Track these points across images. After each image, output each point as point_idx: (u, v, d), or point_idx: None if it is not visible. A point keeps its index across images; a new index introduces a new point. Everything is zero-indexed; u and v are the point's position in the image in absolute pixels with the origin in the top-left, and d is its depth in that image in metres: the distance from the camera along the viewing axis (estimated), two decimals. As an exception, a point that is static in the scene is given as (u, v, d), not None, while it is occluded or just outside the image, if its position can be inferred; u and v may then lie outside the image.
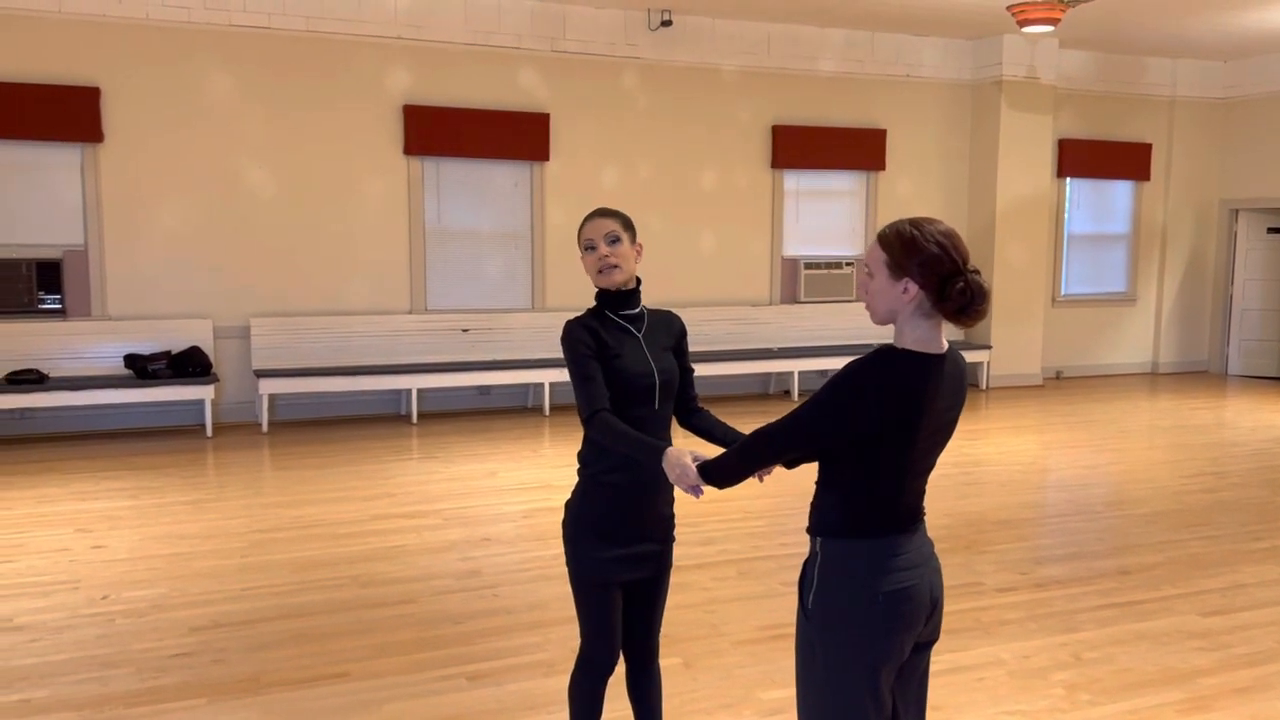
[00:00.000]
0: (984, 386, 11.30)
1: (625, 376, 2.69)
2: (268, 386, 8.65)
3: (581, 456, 2.79)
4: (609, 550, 2.73)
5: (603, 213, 2.77)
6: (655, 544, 2.82)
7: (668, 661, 4.01)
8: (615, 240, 2.72)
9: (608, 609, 2.77)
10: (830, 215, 11.21)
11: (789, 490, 6.63)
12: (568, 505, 2.84)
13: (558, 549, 5.43)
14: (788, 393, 10.48)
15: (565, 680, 3.84)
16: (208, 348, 8.71)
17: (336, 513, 6.17)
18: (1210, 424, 9.63)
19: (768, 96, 10.60)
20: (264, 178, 8.93)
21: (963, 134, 11.56)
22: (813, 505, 2.29)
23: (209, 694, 3.72)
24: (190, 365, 8.50)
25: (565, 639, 4.22)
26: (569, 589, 4.80)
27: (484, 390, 9.77)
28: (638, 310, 2.79)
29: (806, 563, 2.29)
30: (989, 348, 11.29)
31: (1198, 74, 12.42)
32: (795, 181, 10.94)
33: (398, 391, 9.38)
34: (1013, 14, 8.20)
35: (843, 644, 2.19)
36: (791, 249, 10.99)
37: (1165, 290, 12.79)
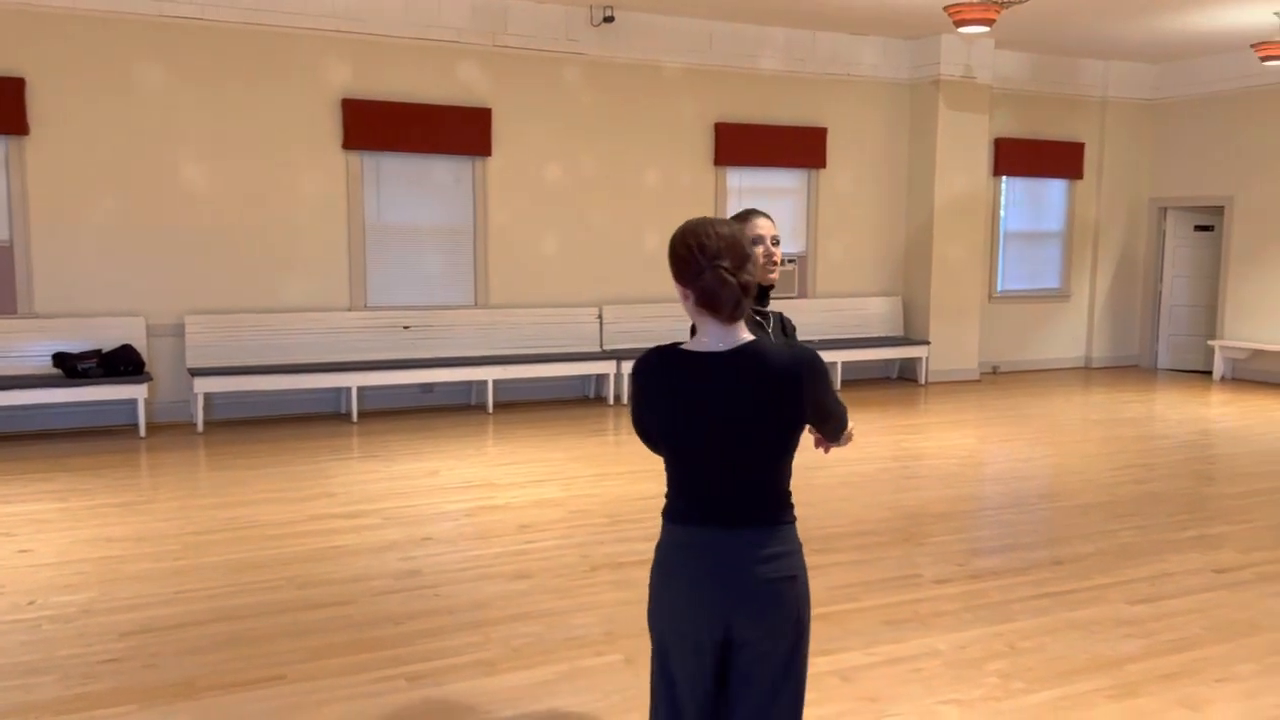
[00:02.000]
0: (922, 382, 11.48)
1: None
2: (203, 385, 8.48)
3: None
4: None
5: (765, 214, 2.96)
6: None
7: (610, 659, 4.02)
8: (777, 243, 2.94)
9: None
10: (772, 212, 11.13)
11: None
12: None
13: (500, 548, 5.44)
14: (731, 389, 10.54)
15: (507, 680, 3.83)
16: (140, 346, 8.51)
17: (273, 514, 6.07)
18: (1140, 417, 9.88)
19: (710, 94, 10.64)
20: (198, 172, 8.75)
21: (901, 133, 11.71)
22: None
23: (140, 700, 3.64)
24: (122, 364, 8.29)
25: (507, 638, 4.20)
26: (511, 586, 4.80)
27: (426, 388, 9.68)
28: (768, 307, 2.99)
29: None
30: (927, 343, 11.47)
31: (1128, 76, 12.72)
32: (738, 179, 10.99)
33: (337, 390, 9.25)
34: (949, 14, 8.32)
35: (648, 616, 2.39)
36: (734, 246, 11.02)
37: (1098, 287, 13.10)
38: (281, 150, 8.99)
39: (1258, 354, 11.88)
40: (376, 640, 4.18)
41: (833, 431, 2.46)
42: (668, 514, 2.32)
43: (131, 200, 8.55)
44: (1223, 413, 10.05)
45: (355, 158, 9.27)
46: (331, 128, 9.14)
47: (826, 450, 2.67)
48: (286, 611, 4.50)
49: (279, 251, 9.07)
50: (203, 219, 8.77)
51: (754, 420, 2.19)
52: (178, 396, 8.78)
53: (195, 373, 8.50)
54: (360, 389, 9.11)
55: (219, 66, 8.71)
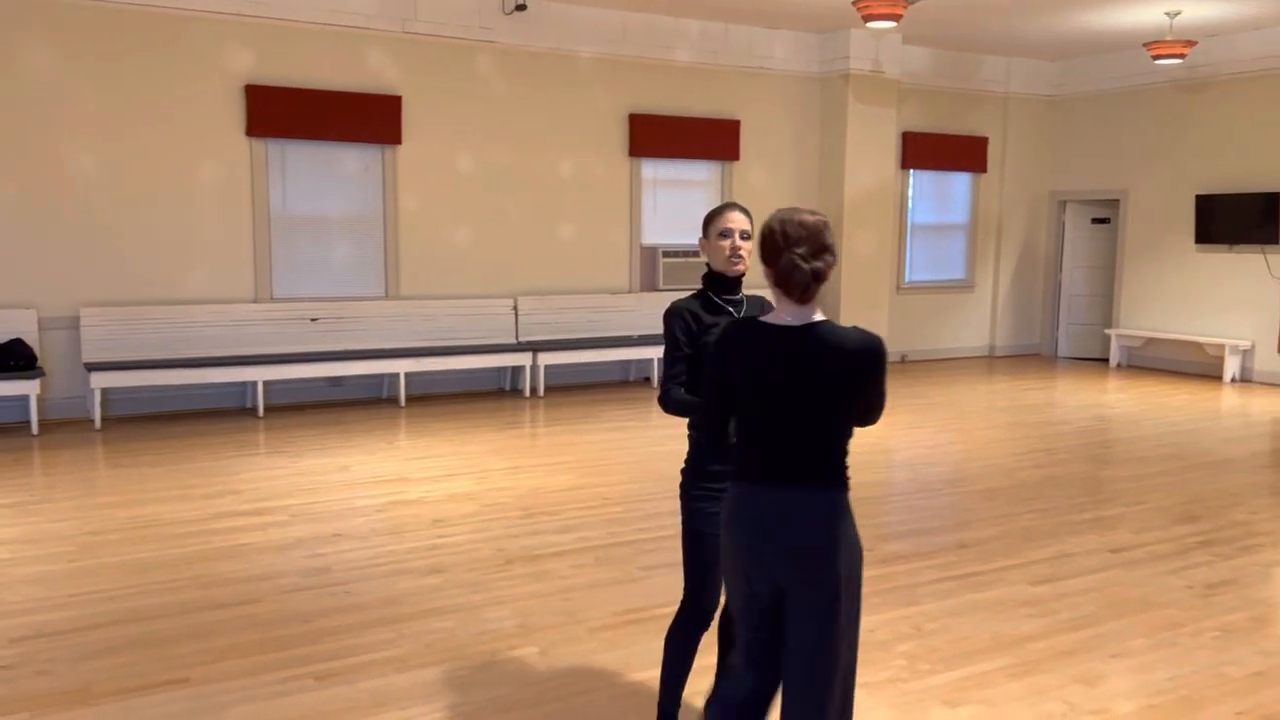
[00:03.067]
0: (835, 371, 11.65)
1: None
2: (100, 380, 8.16)
3: (690, 423, 3.10)
4: (717, 504, 2.91)
5: (740, 208, 3.08)
6: None
7: (524, 651, 3.99)
8: (747, 237, 3.04)
9: (714, 558, 2.95)
10: (687, 203, 11.33)
11: (647, 475, 6.69)
12: (683, 471, 3.08)
13: (413, 543, 5.36)
14: (648, 379, 10.56)
15: (419, 676, 3.77)
16: (32, 340, 8.15)
17: (175, 512, 5.88)
18: (1041, 404, 10.20)
19: (625, 85, 10.63)
20: (92, 158, 8.40)
21: (812, 126, 11.86)
22: None
23: (31, 708, 3.49)
24: (12, 358, 7.93)
25: (419, 634, 4.14)
26: (424, 582, 4.74)
27: (335, 381, 9.49)
28: (739, 296, 3.12)
29: None
30: (839, 333, 11.64)
31: (1029, 72, 13.11)
32: (653, 170, 11.01)
33: (242, 384, 9.00)
34: (857, 8, 8.44)
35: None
36: (650, 237, 11.06)
37: (1001, 277, 13.48)
38: (181, 136, 8.69)
39: (1151, 342, 12.37)
40: (284, 639, 4.08)
41: (870, 419, 2.61)
42: (734, 473, 2.59)
43: (19, 187, 8.17)
44: (1118, 399, 10.44)
45: (260, 145, 9.01)
46: (234, 114, 8.87)
47: None
48: (189, 612, 4.37)
49: (180, 241, 8.78)
50: (98, 207, 8.44)
51: (811, 389, 2.45)
52: (73, 392, 8.44)
53: (92, 367, 8.18)
54: (266, 383, 8.88)
55: (113, 49, 8.37)
